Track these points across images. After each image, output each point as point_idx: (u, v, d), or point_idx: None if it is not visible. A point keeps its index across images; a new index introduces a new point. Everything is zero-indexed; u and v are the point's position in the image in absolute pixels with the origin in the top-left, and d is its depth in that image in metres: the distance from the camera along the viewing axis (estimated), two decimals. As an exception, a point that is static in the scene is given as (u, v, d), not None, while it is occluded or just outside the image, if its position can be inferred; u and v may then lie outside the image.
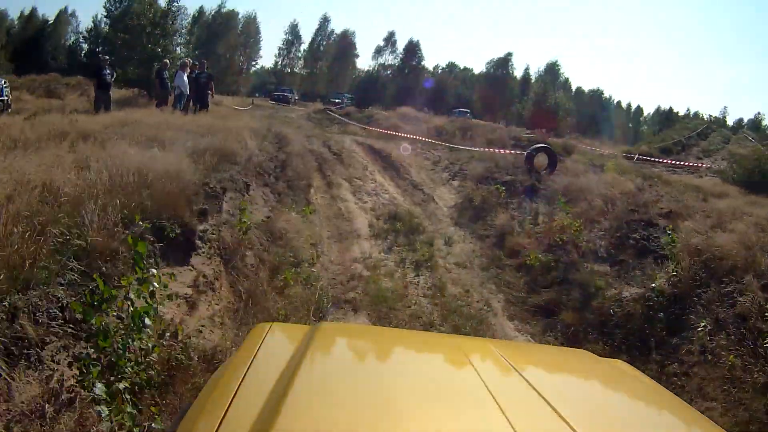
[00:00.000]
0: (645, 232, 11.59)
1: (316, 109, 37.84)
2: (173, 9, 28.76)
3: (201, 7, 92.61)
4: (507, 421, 1.65)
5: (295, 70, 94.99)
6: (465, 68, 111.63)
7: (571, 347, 5.87)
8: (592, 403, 2.14)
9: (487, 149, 21.56)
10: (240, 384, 1.87)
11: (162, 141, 11.10)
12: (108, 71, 20.42)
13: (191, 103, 22.15)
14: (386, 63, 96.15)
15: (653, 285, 9.35)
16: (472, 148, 21.84)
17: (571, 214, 12.79)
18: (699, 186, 18.12)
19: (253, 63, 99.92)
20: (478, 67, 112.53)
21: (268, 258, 9.49)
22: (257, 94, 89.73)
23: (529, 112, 55.93)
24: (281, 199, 12.81)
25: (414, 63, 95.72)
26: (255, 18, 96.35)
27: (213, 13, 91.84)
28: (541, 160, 17.59)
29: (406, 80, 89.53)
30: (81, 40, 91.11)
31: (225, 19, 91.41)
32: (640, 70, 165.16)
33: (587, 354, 3.14)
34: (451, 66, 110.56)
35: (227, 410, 1.67)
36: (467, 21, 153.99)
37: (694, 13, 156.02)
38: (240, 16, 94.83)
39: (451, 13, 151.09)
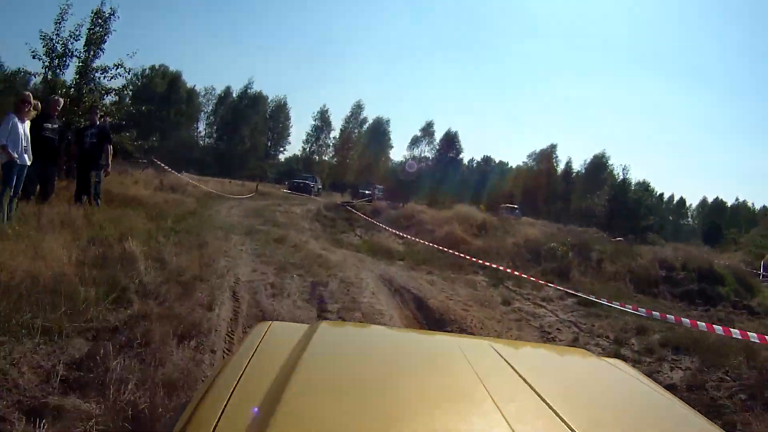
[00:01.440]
0: None
1: (330, 204, 25.35)
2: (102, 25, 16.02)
3: (228, 88, 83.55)
4: (505, 421, 1.55)
5: (324, 158, 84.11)
6: (500, 162, 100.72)
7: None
8: (589, 402, 1.98)
9: (659, 313, 9.24)
10: (238, 381, 1.75)
11: None
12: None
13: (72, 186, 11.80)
14: (422, 154, 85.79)
15: None
16: (628, 309, 9.43)
17: None
18: None
19: (281, 149, 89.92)
20: (513, 161, 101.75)
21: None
22: (286, 182, 79.77)
23: (604, 210, 43.45)
24: None
25: (452, 155, 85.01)
26: (285, 103, 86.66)
27: (239, 93, 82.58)
28: None
29: (445, 172, 78.43)
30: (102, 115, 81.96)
31: (252, 101, 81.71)
32: (671, 158, 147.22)
33: (585, 353, 2.99)
34: (487, 159, 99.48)
35: (225, 407, 1.56)
36: (500, 114, 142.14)
37: (727, 96, 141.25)
38: (269, 100, 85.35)
39: (484, 107, 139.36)
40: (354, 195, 49.60)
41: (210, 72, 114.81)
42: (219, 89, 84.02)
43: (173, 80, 78.89)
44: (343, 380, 1.85)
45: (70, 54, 15.45)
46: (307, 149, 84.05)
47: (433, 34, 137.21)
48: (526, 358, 2.54)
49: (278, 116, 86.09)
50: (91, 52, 15.68)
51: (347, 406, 1.60)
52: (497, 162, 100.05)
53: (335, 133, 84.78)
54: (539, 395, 1.76)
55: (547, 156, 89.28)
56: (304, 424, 1.46)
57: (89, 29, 15.55)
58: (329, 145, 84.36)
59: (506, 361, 2.13)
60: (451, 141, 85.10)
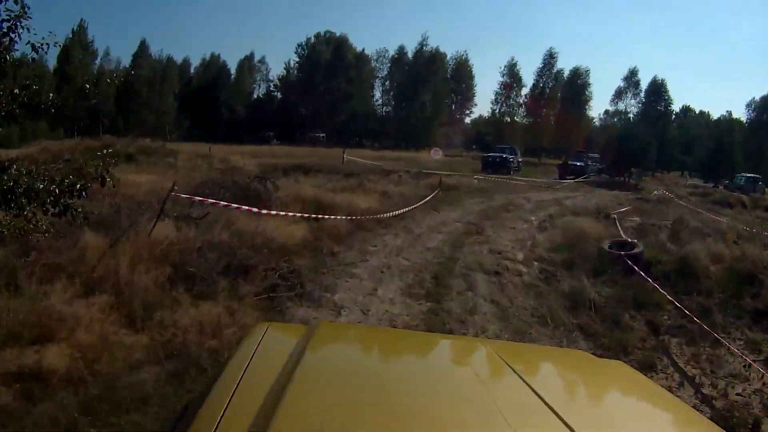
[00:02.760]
0: None
1: (572, 241, 12.18)
2: None
3: (401, 48, 73.38)
4: (505, 422, 1.52)
5: (515, 119, 70.97)
6: (701, 112, 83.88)
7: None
8: (590, 404, 2.01)
9: None
10: (238, 384, 1.66)
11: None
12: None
13: None
14: (627, 108, 71.75)
15: None
16: None
17: None
18: None
19: (467, 112, 78.37)
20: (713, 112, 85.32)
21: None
22: (474, 147, 69.63)
23: None
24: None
25: (660, 108, 69.47)
26: (467, 60, 74.73)
27: (414, 53, 72.11)
28: None
29: (660, 131, 62.64)
30: (273, 89, 75.57)
31: (429, 61, 70.42)
32: None
33: (586, 355, 2.85)
34: (686, 110, 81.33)
35: (225, 410, 1.49)
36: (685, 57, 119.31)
37: None
38: (448, 57, 73.62)
39: (670, 50, 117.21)
40: (563, 169, 37.10)
41: (379, 35, 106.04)
42: (392, 51, 74.29)
43: (339, 45, 70.12)
44: (343, 382, 1.79)
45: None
46: (496, 110, 71.24)
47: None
48: (526, 361, 2.35)
49: (461, 76, 74.79)
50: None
51: (348, 408, 1.56)
52: (697, 112, 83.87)
53: (525, 90, 71.39)
54: (541, 398, 1.68)
55: (768, 104, 72.08)
56: (306, 426, 1.43)
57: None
58: (520, 104, 71.01)
59: (507, 364, 2.02)
60: (658, 91, 69.82)
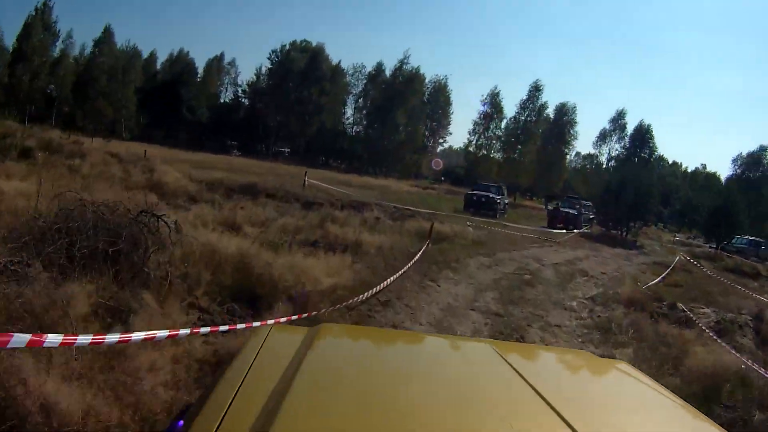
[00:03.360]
0: None
1: None
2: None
3: (380, 64, 68.77)
4: (508, 422, 1.50)
5: (492, 153, 66.14)
6: (674, 163, 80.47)
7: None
8: (592, 403, 1.90)
9: None
10: (241, 384, 1.64)
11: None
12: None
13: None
14: (611, 152, 68.91)
15: None
16: None
17: None
18: None
19: (441, 140, 73.47)
20: (688, 164, 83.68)
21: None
22: (442, 179, 65.09)
23: None
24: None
25: (645, 154, 66.56)
26: (446, 84, 69.79)
27: (393, 71, 67.54)
28: None
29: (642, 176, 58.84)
30: (240, 95, 69.87)
31: (407, 81, 65.56)
32: None
33: (587, 354, 2.86)
34: (660, 160, 78.04)
35: (228, 410, 1.47)
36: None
37: None
38: (427, 81, 68.70)
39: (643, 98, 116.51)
40: (554, 217, 31.84)
41: (357, 52, 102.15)
42: (370, 67, 69.53)
43: (314, 55, 65.04)
44: (346, 382, 1.75)
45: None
46: (473, 142, 66.33)
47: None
48: (528, 361, 2.35)
49: (437, 100, 69.54)
50: None
51: (350, 409, 1.52)
52: (670, 163, 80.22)
53: (505, 123, 66.95)
54: (543, 398, 1.65)
55: (755, 162, 68.57)
56: (309, 426, 1.40)
57: None
58: (500, 137, 66.26)
59: (509, 364, 1.99)
60: (642, 137, 66.80)
